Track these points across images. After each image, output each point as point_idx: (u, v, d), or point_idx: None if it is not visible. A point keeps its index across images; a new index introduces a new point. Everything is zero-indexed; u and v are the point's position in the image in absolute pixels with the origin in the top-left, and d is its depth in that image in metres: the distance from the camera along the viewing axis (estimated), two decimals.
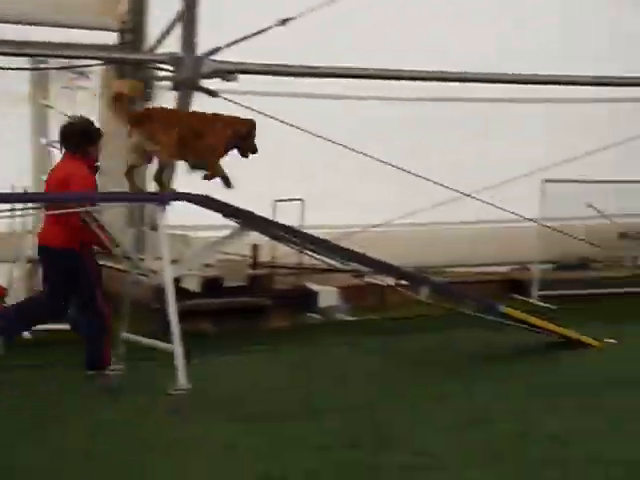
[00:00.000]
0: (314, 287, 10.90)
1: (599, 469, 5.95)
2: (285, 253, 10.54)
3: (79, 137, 8.06)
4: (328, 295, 10.75)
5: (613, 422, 7.02)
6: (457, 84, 12.56)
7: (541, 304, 11.54)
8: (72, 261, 7.82)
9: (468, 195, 12.56)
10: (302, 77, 11.77)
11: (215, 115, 8.10)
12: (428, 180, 12.14)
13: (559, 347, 9.47)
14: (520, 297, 11.93)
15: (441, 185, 12.24)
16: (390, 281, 9.67)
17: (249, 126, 8.28)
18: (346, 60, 11.94)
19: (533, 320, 9.51)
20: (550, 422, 7.02)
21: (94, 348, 7.94)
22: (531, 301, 11.71)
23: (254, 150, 8.31)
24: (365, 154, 11.91)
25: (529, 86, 12.93)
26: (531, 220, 12.28)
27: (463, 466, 6.03)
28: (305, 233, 9.32)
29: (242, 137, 8.16)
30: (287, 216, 9.85)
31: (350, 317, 10.82)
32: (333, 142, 11.74)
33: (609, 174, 12.67)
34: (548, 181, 11.91)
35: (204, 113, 8.21)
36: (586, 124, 13.40)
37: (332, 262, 9.55)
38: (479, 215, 12.79)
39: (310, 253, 9.31)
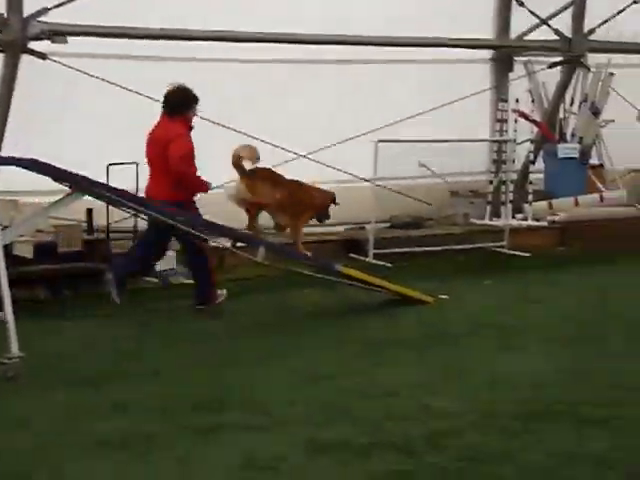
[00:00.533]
0: None
1: (441, 422, 6.12)
2: (121, 217, 10.42)
3: (180, 101, 9.44)
4: (166, 259, 10.66)
5: (446, 375, 7.23)
6: (292, 45, 12.63)
7: (377, 262, 11.73)
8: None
9: (304, 156, 12.66)
10: (133, 39, 11.60)
11: (307, 185, 10.39)
12: (264, 142, 12.18)
13: (395, 304, 9.66)
14: (357, 256, 12.10)
15: (277, 146, 12.29)
16: (227, 243, 9.68)
17: (331, 198, 10.36)
18: (180, 22, 11.83)
19: (369, 278, 9.67)
20: (387, 377, 7.17)
21: (203, 283, 9.43)
22: (367, 260, 11.88)
23: (328, 218, 10.42)
24: (201, 117, 11.85)
25: (362, 47, 13.11)
26: (365, 180, 12.46)
27: (304, 424, 6.10)
28: (140, 197, 9.23)
29: (324, 206, 10.29)
30: (122, 180, 9.72)
31: (188, 280, 10.77)
32: None
33: (441, 134, 12.94)
34: (381, 141, 12.07)
35: (299, 182, 10.39)
36: (418, 85, 13.65)
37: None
38: (315, 176, 12.89)
39: (146, 217, 9.23)
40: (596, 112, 14.59)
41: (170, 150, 9.22)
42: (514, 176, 13.98)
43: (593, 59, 14.79)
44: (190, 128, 9.53)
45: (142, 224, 10.20)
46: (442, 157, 13.04)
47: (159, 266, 10.47)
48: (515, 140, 13.87)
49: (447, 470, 5.30)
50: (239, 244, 9.67)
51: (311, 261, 9.84)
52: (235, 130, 11.95)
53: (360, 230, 12.90)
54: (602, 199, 14.32)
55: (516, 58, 14.67)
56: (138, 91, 11.36)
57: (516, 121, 14.07)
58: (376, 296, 9.78)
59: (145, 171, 10.40)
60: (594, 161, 14.92)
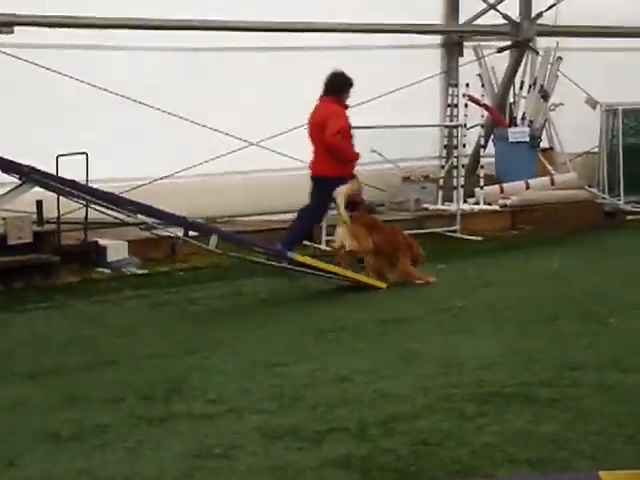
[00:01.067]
0: (103, 241, 10.74)
1: (395, 406, 6.12)
2: (73, 208, 10.34)
3: (339, 85, 10.61)
4: (117, 249, 10.62)
5: (400, 360, 7.24)
6: (246, 33, 12.60)
7: (330, 249, 11.71)
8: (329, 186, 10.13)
9: (255, 144, 12.64)
10: (83, 28, 11.53)
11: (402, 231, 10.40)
12: (216, 130, 12.15)
13: (348, 290, 9.69)
14: (309, 243, 12.09)
15: (229, 135, 12.27)
16: (179, 232, 9.62)
17: (420, 258, 10.20)
18: (127, 11, 11.76)
19: (322, 265, 9.67)
20: (340, 363, 7.17)
21: (295, 234, 10.61)
22: (320, 247, 11.88)
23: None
24: (151, 106, 11.81)
25: (311, 34, 13.10)
26: None
27: (258, 411, 6.09)
28: (90, 187, 9.16)
29: (418, 257, 10.17)
30: (71, 170, 9.66)
31: (141, 270, 10.73)
32: (117, 94, 11.58)
33: (392, 120, 12.96)
34: None
35: (394, 228, 10.46)
36: (369, 71, 13.65)
37: (120, 216, 9.43)
38: (267, 164, 12.89)
39: (97, 207, 9.16)
40: (545, 96, 14.69)
41: (327, 127, 10.41)
42: (465, 161, 14.04)
43: (542, 43, 14.90)
44: (345, 107, 10.72)
45: (93, 214, 10.12)
46: (394, 143, 13.07)
47: (111, 256, 10.45)
48: (465, 125, 13.94)
49: (401, 454, 5.31)
50: (191, 233, 9.62)
51: (264, 249, 9.82)
52: (187, 120, 11.93)
53: None
54: (553, 182, 14.42)
55: (466, 43, 14.74)
56: (87, 81, 11.30)
57: (466, 106, 14.14)
58: (329, 283, 9.79)
59: (96, 162, 10.39)
60: (544, 144, 15.04)
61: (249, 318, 8.75)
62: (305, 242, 11.52)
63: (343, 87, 10.62)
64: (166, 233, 9.56)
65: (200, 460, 5.29)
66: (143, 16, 11.77)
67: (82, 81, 11.29)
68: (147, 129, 12.01)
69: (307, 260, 9.61)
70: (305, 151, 12.59)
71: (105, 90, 11.44)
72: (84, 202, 9.27)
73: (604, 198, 14.75)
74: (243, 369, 7.05)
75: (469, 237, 12.80)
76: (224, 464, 5.25)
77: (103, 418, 5.96)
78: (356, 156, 10.69)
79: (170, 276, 10.58)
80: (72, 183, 8.59)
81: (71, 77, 11.24)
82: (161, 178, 12.03)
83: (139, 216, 9.20)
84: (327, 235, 11.88)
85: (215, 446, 5.47)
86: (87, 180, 9.97)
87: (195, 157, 12.17)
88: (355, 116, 12.77)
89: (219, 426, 5.84)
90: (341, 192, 9.91)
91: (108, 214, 9.26)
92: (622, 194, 14.75)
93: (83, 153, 10.19)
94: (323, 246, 11.87)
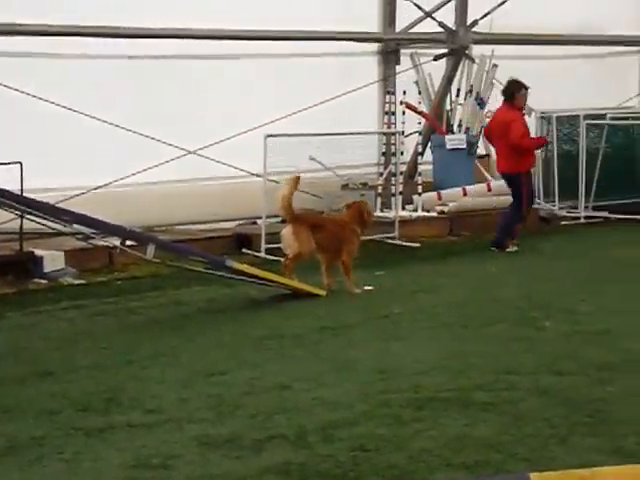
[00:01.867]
0: (39, 252, 10.64)
1: (333, 413, 6.14)
2: (7, 218, 10.23)
3: (508, 91, 12.32)
4: (54, 259, 10.53)
5: (338, 367, 7.26)
6: (187, 40, 12.58)
7: (269, 257, 11.73)
8: (515, 181, 12.32)
9: (194, 152, 12.61)
10: (22, 36, 11.45)
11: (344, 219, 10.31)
12: (153, 139, 12.10)
13: (287, 298, 9.69)
14: (249, 251, 12.09)
15: (166, 143, 12.23)
16: (116, 242, 9.57)
17: (364, 210, 10.37)
18: (74, 19, 11.71)
19: (262, 273, 9.66)
20: (279, 371, 7.18)
21: (503, 230, 12.39)
22: (259, 255, 11.88)
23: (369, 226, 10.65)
24: (87, 114, 11.74)
25: (249, 42, 13.11)
26: (256, 175, 12.46)
27: (197, 421, 6.07)
28: (25, 197, 9.08)
29: (364, 220, 10.31)
30: (5, 180, 9.57)
31: (78, 280, 10.64)
32: (53, 102, 11.50)
33: (330, 127, 13.00)
34: (270, 136, 12.07)
35: (337, 222, 10.35)
36: (307, 79, 13.69)
37: (55, 226, 9.35)
38: (206, 172, 12.87)
39: (32, 217, 9.08)
40: (481, 103, 14.82)
41: (511, 133, 12.04)
42: (403, 168, 14.12)
43: (478, 51, 15.04)
44: (520, 110, 12.39)
45: (28, 225, 10.01)
46: (332, 150, 13.10)
47: (47, 266, 10.37)
48: (403, 132, 14.02)
49: (340, 460, 5.33)
50: (129, 242, 9.57)
51: (202, 258, 9.79)
52: (124, 128, 11.87)
53: (252, 225, 12.89)
54: (490, 188, 14.56)
55: (402, 51, 14.83)
56: (21, 89, 11.21)
57: (404, 113, 14.22)
58: (269, 291, 9.79)
59: (29, 171, 10.32)
60: (481, 151, 15.18)
61: (188, 327, 8.72)
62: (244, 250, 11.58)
63: (514, 92, 12.20)
64: (103, 243, 9.49)
65: (138, 470, 5.27)
66: (78, 23, 11.70)
67: (16, 89, 11.18)
68: (83, 138, 11.93)
69: (246, 268, 9.60)
70: (243, 159, 12.63)
71: (40, 99, 11.34)
72: (19, 212, 9.18)
73: (539, 204, 14.91)
74: (182, 378, 7.03)
75: (407, 244, 12.87)
76: (163, 474, 5.23)
77: (39, 430, 5.91)
78: (543, 141, 13.22)
79: (108, 286, 10.50)
80: (6, 193, 8.50)
81: (5, 85, 11.13)
82: (96, 188, 11.94)
83: (75, 226, 9.14)
84: (267, 244, 11.89)
85: (153, 456, 5.45)
86: (22, 190, 9.88)
87: (132, 166, 12.10)
88: (292, 124, 12.88)
89: (157, 436, 5.81)
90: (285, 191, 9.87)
91: (44, 224, 9.17)
92: (557, 200, 14.92)
93: (17, 163, 10.09)
94: (262, 254, 11.86)
